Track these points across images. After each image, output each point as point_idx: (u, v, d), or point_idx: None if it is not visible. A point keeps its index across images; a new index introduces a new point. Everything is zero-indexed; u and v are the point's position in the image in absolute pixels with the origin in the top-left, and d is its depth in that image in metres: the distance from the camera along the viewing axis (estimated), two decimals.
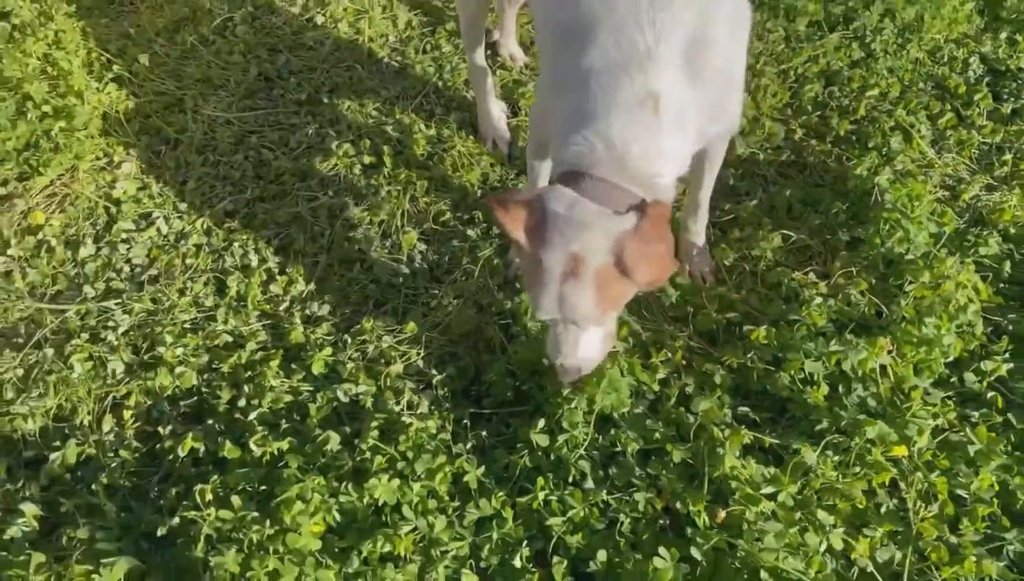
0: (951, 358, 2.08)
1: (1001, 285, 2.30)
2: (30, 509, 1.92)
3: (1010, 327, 2.21)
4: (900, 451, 1.89)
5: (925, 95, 2.79)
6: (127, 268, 2.36)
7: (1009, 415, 2.03)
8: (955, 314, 2.12)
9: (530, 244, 1.70)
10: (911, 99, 2.73)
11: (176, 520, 1.87)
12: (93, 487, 1.96)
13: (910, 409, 1.95)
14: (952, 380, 2.11)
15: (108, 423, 2.08)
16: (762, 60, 2.81)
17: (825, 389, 2.00)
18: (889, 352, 2.08)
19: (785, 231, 2.39)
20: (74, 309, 2.25)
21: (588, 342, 1.81)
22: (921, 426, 1.92)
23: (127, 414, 2.08)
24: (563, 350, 1.83)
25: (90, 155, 2.57)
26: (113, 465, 2.01)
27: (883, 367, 2.05)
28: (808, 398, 2.00)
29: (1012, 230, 2.43)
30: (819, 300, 2.17)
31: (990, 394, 2.06)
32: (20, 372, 2.15)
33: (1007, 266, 2.31)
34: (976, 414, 2.02)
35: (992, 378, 2.08)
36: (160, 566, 1.85)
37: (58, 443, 2.04)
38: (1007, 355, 2.12)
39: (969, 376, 2.10)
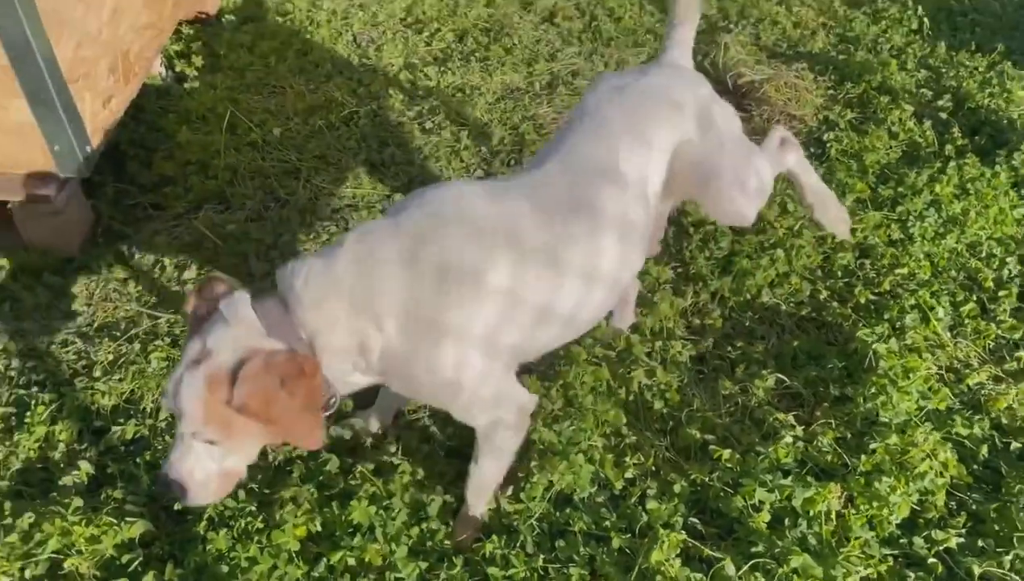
0: (899, 518, 2.21)
1: (975, 467, 2.41)
2: (85, 466, 2.33)
3: (973, 507, 2.31)
4: None
5: (953, 283, 2.95)
6: None
7: None
8: (913, 479, 2.26)
9: (189, 327, 1.80)
10: (936, 283, 2.90)
11: None
12: (137, 460, 2.36)
13: (843, 553, 2.10)
14: (902, 541, 2.23)
15: (164, 413, 2.50)
16: (800, 224, 3.07)
17: (767, 516, 2.17)
18: (840, 498, 2.23)
19: (780, 375, 2.61)
20: (166, 318, 2.74)
21: (199, 461, 1.78)
22: (849, 569, 2.06)
23: None
24: (171, 457, 1.80)
25: (214, 199, 3.12)
26: (159, 447, 2.41)
27: (833, 512, 2.20)
28: (752, 522, 2.18)
29: (1004, 420, 2.54)
30: (789, 439, 2.36)
31: (933, 560, 2.17)
32: (111, 358, 2.63)
33: (984, 449, 2.42)
34: (913, 575, 2.13)
35: (941, 547, 2.19)
36: (169, 534, 2.21)
37: (122, 420, 2.47)
38: (963, 531, 2.23)
39: (918, 541, 2.21)
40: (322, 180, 3.26)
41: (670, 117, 2.15)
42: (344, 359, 1.83)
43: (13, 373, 2.60)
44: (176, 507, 2.23)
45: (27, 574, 2.09)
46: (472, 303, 1.82)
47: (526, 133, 3.49)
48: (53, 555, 2.12)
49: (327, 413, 1.87)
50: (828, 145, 3.42)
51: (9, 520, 2.17)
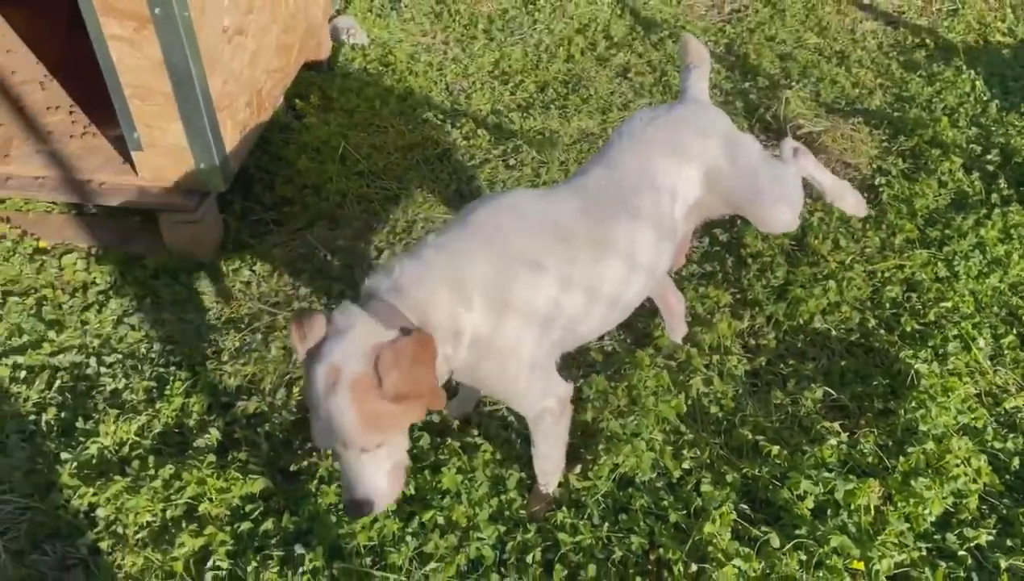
0: (933, 516, 2.43)
1: (1007, 476, 2.62)
2: (214, 432, 2.71)
3: (1004, 512, 2.52)
4: (858, 565, 2.27)
5: (995, 317, 3.18)
6: (326, 299, 3.25)
7: (974, 574, 2.34)
8: (948, 481, 2.49)
9: (306, 360, 1.83)
10: (978, 317, 3.13)
11: (305, 463, 2.60)
12: (259, 430, 2.74)
13: (880, 540, 2.33)
14: (935, 537, 2.45)
15: (281, 393, 2.88)
16: (851, 258, 3.35)
17: (811, 503, 2.42)
18: (879, 494, 2.47)
19: (828, 389, 2.87)
20: (283, 314, 3.15)
21: (374, 471, 1.86)
22: (885, 553, 2.30)
23: (295, 390, 2.88)
24: (348, 482, 1.87)
25: (326, 218, 3.56)
26: (276, 421, 2.79)
27: (872, 506, 2.44)
28: (797, 509, 2.43)
29: None
30: (834, 442, 2.62)
31: (963, 553, 2.38)
32: (236, 346, 3.04)
33: (1016, 462, 2.63)
34: (944, 564, 2.35)
35: (972, 544, 2.40)
36: (285, 491, 2.57)
37: (245, 397, 2.86)
38: (994, 531, 2.44)
39: (951, 537, 2.43)
40: (417, 206, 3.67)
41: (699, 144, 2.47)
42: (443, 343, 1.97)
43: (154, 355, 3.03)
44: (292, 468, 2.60)
45: (168, 514, 2.47)
46: (537, 290, 2.11)
47: None
48: (189, 500, 2.50)
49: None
50: (880, 189, 3.70)
51: (152, 471, 2.55)
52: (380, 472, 1.88)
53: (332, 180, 3.66)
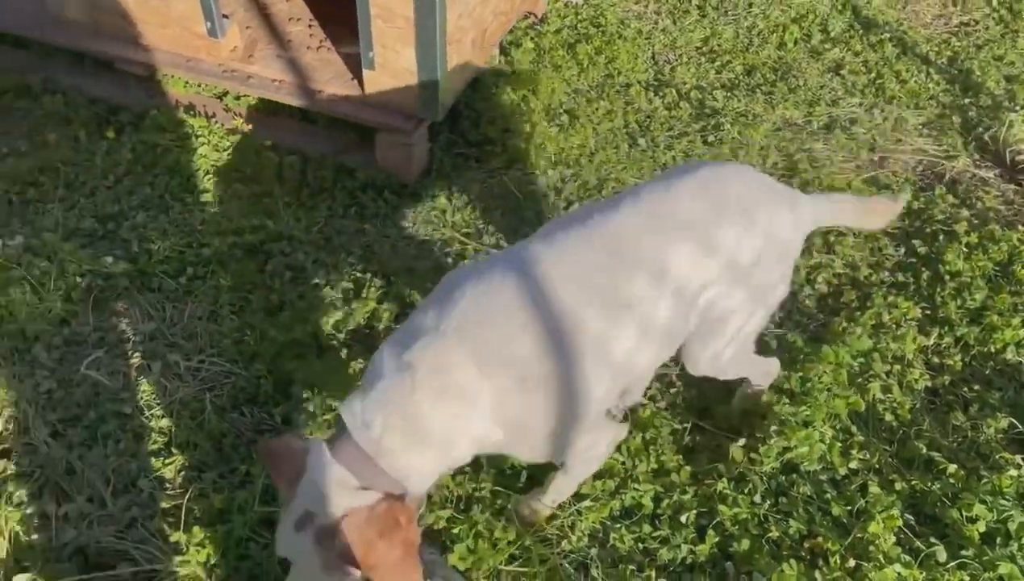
0: None
1: None
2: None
3: None
4: None
5: None
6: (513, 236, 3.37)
7: None
8: None
9: (287, 493, 1.78)
10: None
11: None
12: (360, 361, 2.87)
13: None
14: None
15: None
16: None
17: (982, 527, 2.35)
18: None
19: (1014, 420, 2.75)
20: (472, 245, 3.29)
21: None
22: None
23: None
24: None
25: (523, 163, 3.68)
26: None
27: None
28: (966, 530, 2.37)
29: None
30: (1014, 472, 2.52)
31: None
32: (429, 266, 3.21)
33: None
34: None
35: None
36: None
37: None
38: None
39: None
40: (610, 166, 3.73)
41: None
42: (440, 469, 1.89)
43: (353, 260, 3.24)
44: None
45: None
46: (548, 388, 1.89)
47: (799, 162, 3.79)
48: None
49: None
50: None
51: (345, 361, 2.75)
52: None
53: (534, 128, 3.76)
